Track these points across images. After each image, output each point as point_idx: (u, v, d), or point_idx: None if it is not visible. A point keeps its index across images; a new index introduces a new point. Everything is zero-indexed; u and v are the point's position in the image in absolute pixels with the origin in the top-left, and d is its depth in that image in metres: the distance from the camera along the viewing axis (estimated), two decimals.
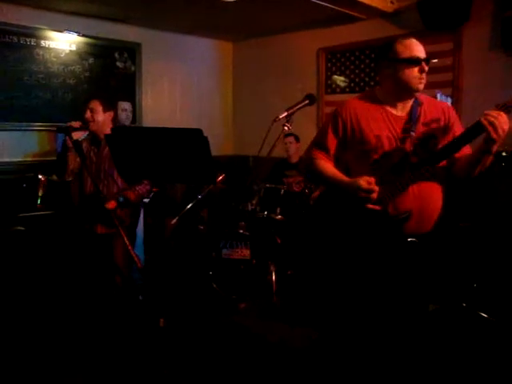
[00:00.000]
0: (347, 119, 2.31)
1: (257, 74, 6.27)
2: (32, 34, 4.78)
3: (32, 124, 4.84)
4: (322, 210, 2.51)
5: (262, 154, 2.66)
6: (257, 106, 6.20)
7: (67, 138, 3.27)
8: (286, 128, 2.41)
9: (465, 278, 3.65)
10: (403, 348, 2.39)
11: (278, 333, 3.43)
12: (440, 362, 2.85)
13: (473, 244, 3.70)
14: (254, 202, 4.46)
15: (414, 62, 2.19)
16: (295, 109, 2.42)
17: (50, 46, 4.91)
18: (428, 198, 2.26)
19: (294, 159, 4.96)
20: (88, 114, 3.41)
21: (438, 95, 4.47)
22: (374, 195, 2.16)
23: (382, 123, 2.27)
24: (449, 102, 4.38)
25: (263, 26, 5.62)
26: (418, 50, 2.22)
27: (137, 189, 3.43)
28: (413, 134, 2.23)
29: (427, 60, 2.21)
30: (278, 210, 4.31)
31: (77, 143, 3.28)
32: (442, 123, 2.28)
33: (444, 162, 2.25)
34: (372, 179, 2.16)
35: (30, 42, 4.79)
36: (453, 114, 2.34)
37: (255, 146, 2.67)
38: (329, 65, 5.53)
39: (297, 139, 4.95)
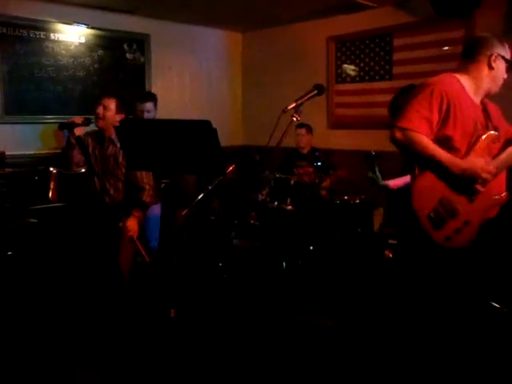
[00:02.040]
0: (452, 99, 2.27)
1: (266, 64, 6.25)
2: (41, 27, 4.80)
3: (43, 117, 4.87)
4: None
5: (271, 145, 2.65)
6: (266, 96, 6.18)
7: (69, 134, 3.28)
8: (294, 119, 2.39)
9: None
10: (415, 339, 2.39)
11: (288, 321, 3.43)
12: (452, 351, 2.84)
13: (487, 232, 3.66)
14: (264, 192, 4.45)
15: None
16: (304, 99, 2.40)
17: (60, 39, 4.93)
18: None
19: (306, 150, 4.93)
20: (100, 110, 3.41)
21: None
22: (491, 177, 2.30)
23: (472, 109, 2.34)
24: None
25: (272, 16, 5.58)
26: None
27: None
28: (490, 121, 2.37)
29: None
30: (289, 201, 4.30)
31: (79, 140, 3.30)
32: (498, 116, 2.46)
33: None
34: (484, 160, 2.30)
35: (40, 35, 4.81)
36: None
37: (265, 137, 2.67)
38: (338, 54, 5.49)
39: (309, 129, 4.92)
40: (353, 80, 5.39)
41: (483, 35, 2.42)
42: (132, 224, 3.32)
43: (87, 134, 3.60)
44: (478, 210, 2.35)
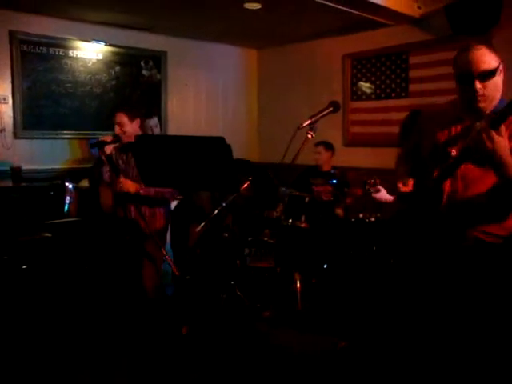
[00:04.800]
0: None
1: (282, 80, 6.26)
2: (61, 44, 4.88)
3: (60, 132, 4.92)
4: None
5: (286, 162, 2.63)
6: (282, 112, 6.18)
7: (100, 152, 3.32)
8: (309, 136, 2.37)
9: None
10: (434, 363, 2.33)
11: (302, 341, 3.38)
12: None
13: None
14: (278, 209, 4.42)
15: (464, 80, 2.06)
16: (319, 116, 2.38)
17: (78, 56, 5.01)
18: None
19: (326, 167, 4.88)
20: (117, 129, 3.43)
21: None
22: None
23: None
24: None
25: (288, 33, 5.61)
26: (469, 64, 2.05)
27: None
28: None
29: (484, 75, 2.03)
30: (303, 218, 4.26)
31: (110, 158, 3.34)
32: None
33: None
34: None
35: (59, 52, 4.89)
36: None
37: (281, 153, 2.65)
38: (354, 71, 5.48)
39: (328, 147, 4.87)
40: (369, 97, 5.37)
41: None
42: (127, 182, 3.33)
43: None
44: None
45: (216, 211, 4.15)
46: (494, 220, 2.11)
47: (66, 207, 4.34)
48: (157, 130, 4.69)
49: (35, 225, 4.09)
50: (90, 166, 4.47)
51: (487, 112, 2.06)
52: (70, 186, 4.38)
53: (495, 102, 2.07)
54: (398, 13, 4.55)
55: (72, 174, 4.54)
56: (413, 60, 4.93)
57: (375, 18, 4.72)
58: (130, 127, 3.46)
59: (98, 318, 3.60)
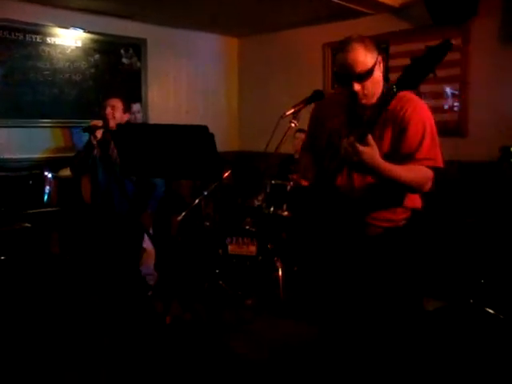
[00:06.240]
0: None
1: (262, 69, 6.25)
2: (38, 30, 4.77)
3: (38, 121, 4.83)
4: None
5: (269, 151, 2.64)
6: (262, 101, 6.18)
7: (91, 136, 3.32)
8: (292, 125, 2.39)
9: (472, 274, 3.63)
10: (406, 345, 2.38)
11: (284, 329, 3.42)
12: (445, 359, 2.83)
13: (480, 240, 3.68)
14: (260, 198, 4.44)
15: (342, 82, 2.13)
16: (302, 105, 2.39)
17: (56, 43, 4.91)
18: None
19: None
20: (109, 111, 3.45)
21: (448, 90, 4.47)
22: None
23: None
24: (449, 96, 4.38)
25: (269, 22, 5.59)
26: (346, 66, 2.09)
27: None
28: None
29: (361, 76, 2.04)
30: (285, 207, 4.29)
31: (102, 143, 3.34)
32: (390, 127, 2.09)
33: None
34: None
35: (36, 38, 4.79)
36: (407, 122, 2.05)
37: (261, 142, 2.66)
38: (334, 60, 5.49)
39: None
40: None
41: None
42: None
43: None
44: None
45: (197, 200, 4.16)
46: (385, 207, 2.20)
47: (46, 197, 4.31)
48: (139, 116, 4.68)
49: (14, 215, 4.04)
50: (69, 155, 4.42)
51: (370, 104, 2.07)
52: (50, 176, 4.34)
53: (377, 96, 2.10)
54: (378, 2, 4.57)
55: (51, 163, 4.48)
56: (393, 49, 4.95)
57: (355, 7, 4.74)
58: (120, 115, 3.49)
59: (78, 309, 3.59)
